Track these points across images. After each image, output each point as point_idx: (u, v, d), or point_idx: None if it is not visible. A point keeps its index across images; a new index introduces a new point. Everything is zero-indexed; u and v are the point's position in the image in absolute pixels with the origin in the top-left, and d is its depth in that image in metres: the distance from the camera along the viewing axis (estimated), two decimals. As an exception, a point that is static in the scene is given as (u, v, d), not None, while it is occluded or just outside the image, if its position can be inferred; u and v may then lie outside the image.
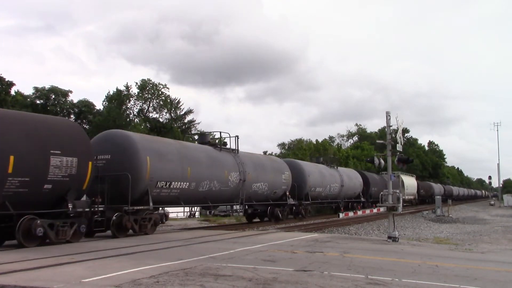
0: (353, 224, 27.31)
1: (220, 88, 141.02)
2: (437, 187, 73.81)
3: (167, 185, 17.39)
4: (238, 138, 24.04)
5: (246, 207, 25.28)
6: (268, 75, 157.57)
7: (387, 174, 17.48)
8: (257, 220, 26.96)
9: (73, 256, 10.45)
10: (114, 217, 15.49)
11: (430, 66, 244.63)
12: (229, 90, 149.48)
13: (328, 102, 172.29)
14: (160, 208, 19.47)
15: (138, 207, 16.36)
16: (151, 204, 16.55)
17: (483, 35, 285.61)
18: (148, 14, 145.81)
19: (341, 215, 31.67)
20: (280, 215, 25.89)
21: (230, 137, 24.25)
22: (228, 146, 23.32)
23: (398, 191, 16.70)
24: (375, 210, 36.23)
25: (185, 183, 18.20)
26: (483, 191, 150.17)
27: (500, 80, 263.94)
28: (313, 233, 19.53)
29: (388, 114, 16.53)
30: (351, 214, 33.61)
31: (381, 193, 16.81)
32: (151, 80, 53.60)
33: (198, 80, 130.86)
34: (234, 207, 24.07)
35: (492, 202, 79.04)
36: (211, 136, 28.01)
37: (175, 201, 18.63)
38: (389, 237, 15.90)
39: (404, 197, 46.81)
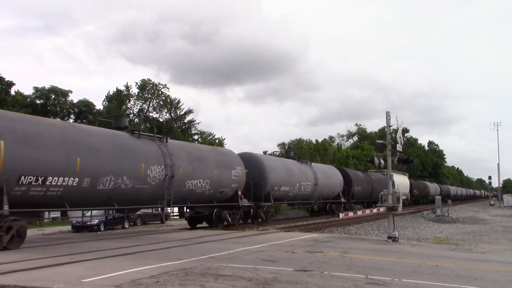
0: (353, 224, 27.33)
1: (220, 88, 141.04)
2: (433, 187, 70.29)
3: (40, 181, 12.80)
4: (166, 122, 20.31)
5: (185, 209, 21.17)
6: (268, 75, 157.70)
7: (387, 174, 17.46)
8: (204, 225, 22.59)
9: (73, 256, 10.46)
10: None
11: (430, 66, 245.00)
12: (229, 90, 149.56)
13: (328, 102, 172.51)
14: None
15: None
16: (5, 207, 11.88)
17: (483, 35, 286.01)
18: (148, 14, 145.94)
19: (341, 215, 31.64)
20: (229, 219, 21.49)
21: (153, 119, 19.96)
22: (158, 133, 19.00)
23: (397, 191, 16.72)
24: (375, 210, 36.22)
25: (72, 178, 13.74)
26: (483, 191, 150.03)
27: (500, 80, 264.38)
28: (313, 233, 19.55)
29: (388, 114, 16.54)
30: (351, 214, 33.59)
31: (381, 193, 16.82)
32: (151, 80, 53.63)
33: (198, 80, 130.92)
34: (165, 210, 18.21)
35: (492, 202, 79.03)
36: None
37: (57, 203, 13.85)
38: (389, 237, 15.92)
39: None
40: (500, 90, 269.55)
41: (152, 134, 18.43)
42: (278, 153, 74.44)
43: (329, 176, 33.47)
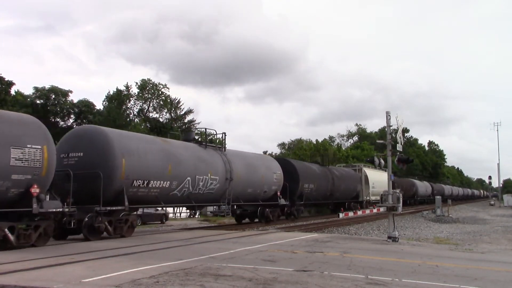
0: (353, 224, 27.30)
1: (220, 88, 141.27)
2: (422, 186, 63.24)
3: None
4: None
5: None
6: (268, 75, 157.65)
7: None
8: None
9: (73, 256, 10.45)
10: None
11: (430, 66, 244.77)
12: (229, 90, 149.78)
13: (328, 102, 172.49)
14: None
15: None
16: None
17: (483, 35, 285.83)
18: (148, 14, 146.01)
19: (341, 215, 31.65)
20: (11, 237, 11.94)
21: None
22: None
23: (398, 191, 16.71)
24: (375, 210, 36.24)
25: None
26: (482, 191, 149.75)
27: (500, 80, 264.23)
28: (313, 233, 19.55)
29: (388, 114, 16.56)
30: (351, 214, 33.59)
31: (381, 193, 16.83)
32: (151, 80, 53.77)
33: (198, 80, 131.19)
34: None
35: (492, 202, 79.00)
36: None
37: None
38: (389, 237, 15.92)
39: (368, 198, 39.00)
40: (500, 90, 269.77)
41: None
42: (278, 153, 74.54)
43: (256, 168, 23.69)
